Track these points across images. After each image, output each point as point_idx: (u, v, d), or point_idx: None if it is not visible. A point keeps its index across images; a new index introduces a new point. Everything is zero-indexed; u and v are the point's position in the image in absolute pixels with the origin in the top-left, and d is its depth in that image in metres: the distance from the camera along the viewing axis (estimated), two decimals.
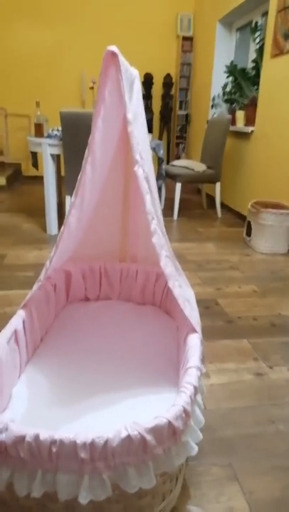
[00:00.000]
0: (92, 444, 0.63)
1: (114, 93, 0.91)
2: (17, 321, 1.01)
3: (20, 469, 0.65)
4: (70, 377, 1.01)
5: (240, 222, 3.65)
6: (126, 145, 1.17)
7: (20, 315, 1.03)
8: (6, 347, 0.91)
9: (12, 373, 0.94)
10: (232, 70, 3.79)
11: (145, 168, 0.97)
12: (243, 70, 3.71)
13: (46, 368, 1.04)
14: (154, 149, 3.15)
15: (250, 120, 3.52)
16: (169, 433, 0.68)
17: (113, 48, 0.87)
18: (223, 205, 4.13)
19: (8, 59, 5.05)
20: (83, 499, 0.64)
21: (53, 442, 0.63)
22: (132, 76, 0.98)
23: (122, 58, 0.89)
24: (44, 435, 0.63)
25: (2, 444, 0.64)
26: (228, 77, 3.93)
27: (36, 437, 0.63)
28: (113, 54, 0.86)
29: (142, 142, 1.03)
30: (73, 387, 0.98)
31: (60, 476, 0.64)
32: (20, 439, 0.63)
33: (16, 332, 0.98)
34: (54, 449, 0.63)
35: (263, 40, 3.35)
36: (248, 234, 2.97)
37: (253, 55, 3.75)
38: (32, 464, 0.65)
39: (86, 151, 1.00)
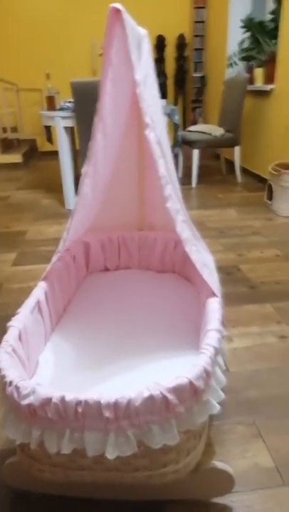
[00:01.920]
0: (116, 403, 0.65)
1: (121, 53, 0.87)
2: (39, 292, 1.03)
3: (50, 428, 0.68)
4: (94, 344, 1.04)
5: (261, 186, 3.55)
6: (138, 109, 1.14)
7: (41, 286, 1.06)
8: (30, 317, 0.94)
9: (38, 342, 0.98)
10: (248, 24, 3.57)
11: (157, 132, 0.94)
12: (261, 24, 3.49)
13: (70, 336, 1.07)
14: (168, 115, 3.05)
15: (269, 78, 3.35)
16: (190, 392, 0.70)
17: (116, 4, 0.83)
18: (243, 170, 4.01)
19: (16, 31, 4.93)
20: (110, 455, 0.67)
21: (79, 403, 0.65)
22: (139, 35, 0.94)
23: (127, 16, 0.85)
24: (69, 397, 0.66)
25: (31, 406, 0.67)
26: (244, 32, 3.71)
27: (62, 399, 0.66)
28: (117, 11, 0.82)
29: (153, 104, 1.00)
30: (97, 353, 1.01)
31: (87, 434, 0.67)
32: (47, 401, 0.66)
33: (38, 302, 1.00)
34: (80, 410, 0.66)
35: None
36: (270, 198, 2.89)
37: (271, 6, 3.51)
38: (60, 423, 0.68)
39: (96, 117, 0.98)
